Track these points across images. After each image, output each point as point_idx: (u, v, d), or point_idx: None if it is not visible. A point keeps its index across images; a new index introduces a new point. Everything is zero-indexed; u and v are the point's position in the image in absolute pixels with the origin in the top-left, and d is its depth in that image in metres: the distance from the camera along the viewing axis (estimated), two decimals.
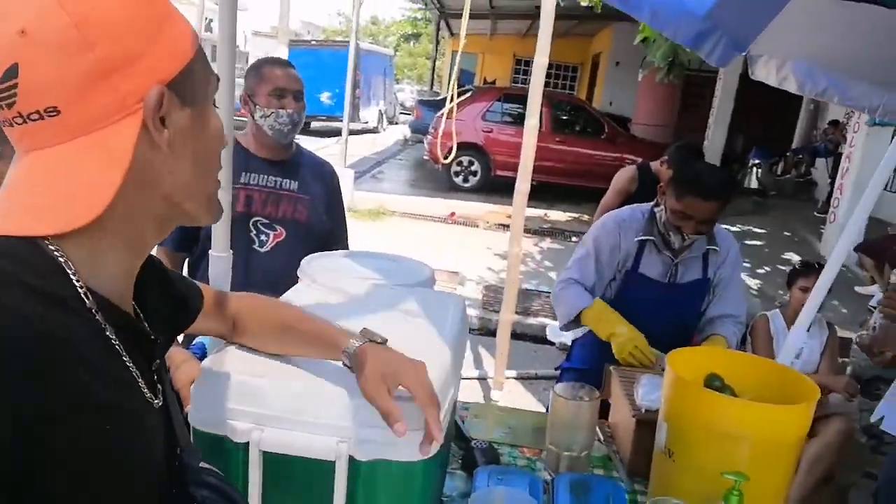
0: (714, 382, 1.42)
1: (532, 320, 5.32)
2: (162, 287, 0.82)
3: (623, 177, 3.65)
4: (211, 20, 15.30)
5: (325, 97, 16.42)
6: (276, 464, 0.96)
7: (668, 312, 1.95)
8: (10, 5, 0.58)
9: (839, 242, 2.22)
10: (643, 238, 2.00)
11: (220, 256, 1.53)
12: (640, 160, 3.88)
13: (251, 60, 2.65)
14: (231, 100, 1.45)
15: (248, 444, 0.94)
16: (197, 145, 0.68)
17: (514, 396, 4.09)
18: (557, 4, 3.39)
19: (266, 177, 2.00)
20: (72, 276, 0.60)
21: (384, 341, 0.95)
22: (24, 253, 0.59)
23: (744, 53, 2.34)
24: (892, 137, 2.67)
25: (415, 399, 0.87)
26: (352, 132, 9.98)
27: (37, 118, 0.58)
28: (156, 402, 0.69)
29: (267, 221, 2.00)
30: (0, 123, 0.61)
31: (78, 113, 0.59)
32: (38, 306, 0.56)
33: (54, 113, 0.58)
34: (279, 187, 2.02)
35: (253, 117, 1.97)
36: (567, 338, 2.92)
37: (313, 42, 19.76)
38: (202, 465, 0.77)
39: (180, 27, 0.65)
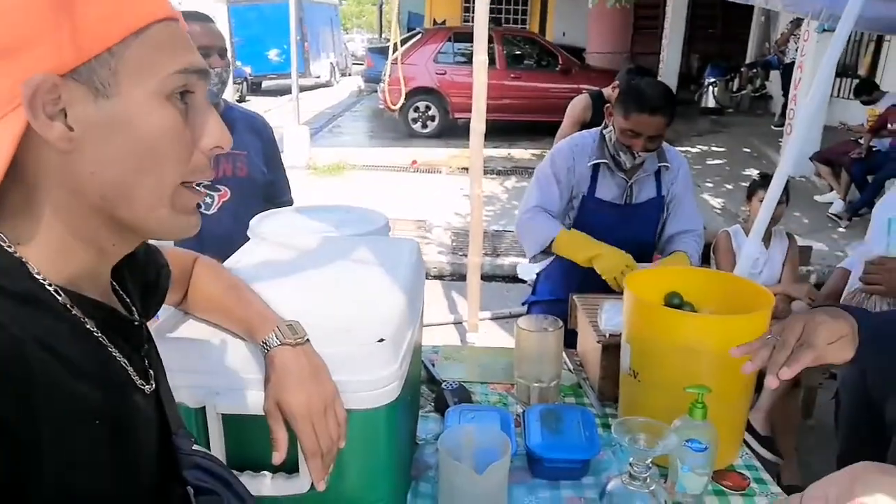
0: (673, 300, 1.43)
1: (502, 260, 5.35)
2: (137, 270, 0.79)
3: (577, 106, 3.62)
4: None
5: (273, 55, 15.90)
6: (236, 424, 0.94)
7: (626, 233, 1.97)
8: None
9: (784, 150, 2.23)
10: (596, 161, 1.99)
11: None
12: (595, 89, 3.85)
13: None
14: None
15: (204, 408, 0.93)
16: (126, 144, 0.57)
17: (490, 337, 4.14)
18: None
19: None
20: (36, 275, 0.56)
21: (302, 341, 0.90)
22: None
23: None
24: None
25: (299, 443, 0.86)
26: (304, 88, 9.75)
27: None
28: (147, 388, 0.66)
29: (209, 183, 1.94)
30: None
31: None
32: (7, 307, 0.53)
33: None
34: None
35: None
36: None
37: None
38: (194, 447, 0.75)
39: (109, 6, 0.55)
